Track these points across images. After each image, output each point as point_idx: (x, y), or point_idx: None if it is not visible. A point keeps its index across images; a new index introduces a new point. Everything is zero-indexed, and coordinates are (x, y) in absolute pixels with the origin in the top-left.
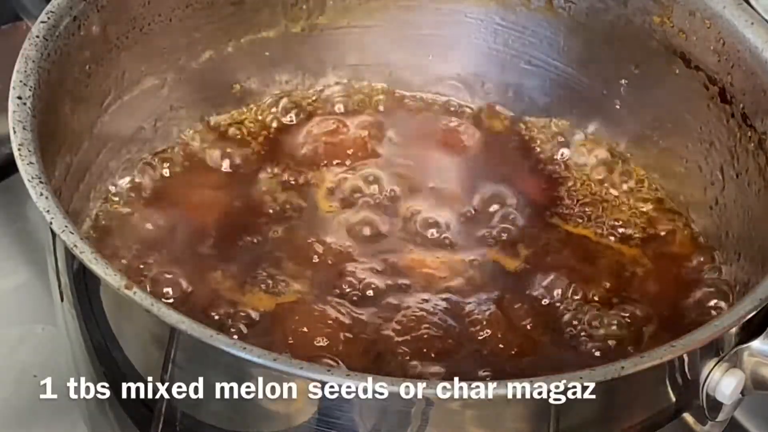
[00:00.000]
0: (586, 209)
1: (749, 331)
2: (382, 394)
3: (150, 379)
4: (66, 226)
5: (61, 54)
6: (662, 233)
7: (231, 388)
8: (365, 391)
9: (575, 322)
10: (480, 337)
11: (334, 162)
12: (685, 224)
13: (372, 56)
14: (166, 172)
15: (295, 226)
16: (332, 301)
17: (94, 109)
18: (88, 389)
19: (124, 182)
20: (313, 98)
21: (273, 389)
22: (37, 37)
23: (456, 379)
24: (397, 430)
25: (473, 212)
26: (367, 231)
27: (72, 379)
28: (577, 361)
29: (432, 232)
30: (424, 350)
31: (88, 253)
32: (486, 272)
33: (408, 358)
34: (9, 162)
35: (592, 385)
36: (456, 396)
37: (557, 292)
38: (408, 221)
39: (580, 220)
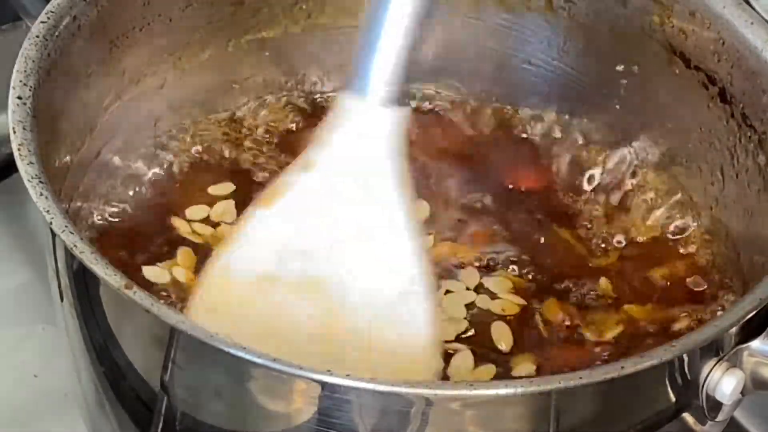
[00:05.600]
0: (586, 209)
1: (749, 331)
2: (382, 394)
3: (150, 379)
4: (66, 226)
5: (61, 54)
6: (661, 233)
7: (231, 388)
8: (365, 391)
9: (577, 323)
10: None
11: None
12: (685, 224)
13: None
14: (166, 172)
15: None
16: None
17: (94, 109)
18: (88, 389)
19: (125, 182)
20: (313, 98)
21: (273, 389)
22: (37, 37)
23: (456, 379)
24: (397, 430)
25: (472, 212)
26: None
27: (72, 379)
28: (579, 361)
29: (431, 232)
30: None
31: (88, 253)
32: (487, 271)
33: None
34: (9, 162)
35: (592, 385)
36: (456, 396)
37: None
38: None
39: (580, 221)
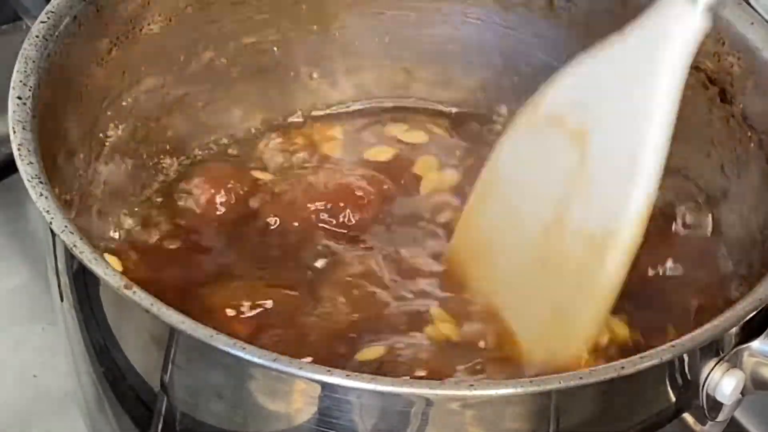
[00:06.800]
0: None
1: (749, 331)
2: (382, 394)
3: (150, 379)
4: (66, 226)
5: (61, 54)
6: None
7: (231, 388)
8: (365, 391)
9: None
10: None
11: (335, 159)
12: (685, 224)
13: (371, 56)
14: (166, 172)
15: (288, 221)
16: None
17: (94, 109)
18: (88, 389)
19: (124, 182)
20: (314, 97)
21: (273, 389)
22: (37, 37)
23: (456, 379)
24: (397, 430)
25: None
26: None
27: (72, 379)
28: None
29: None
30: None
31: (87, 253)
32: None
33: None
34: (9, 162)
35: (592, 385)
36: (456, 396)
37: None
38: (411, 220)
39: None
